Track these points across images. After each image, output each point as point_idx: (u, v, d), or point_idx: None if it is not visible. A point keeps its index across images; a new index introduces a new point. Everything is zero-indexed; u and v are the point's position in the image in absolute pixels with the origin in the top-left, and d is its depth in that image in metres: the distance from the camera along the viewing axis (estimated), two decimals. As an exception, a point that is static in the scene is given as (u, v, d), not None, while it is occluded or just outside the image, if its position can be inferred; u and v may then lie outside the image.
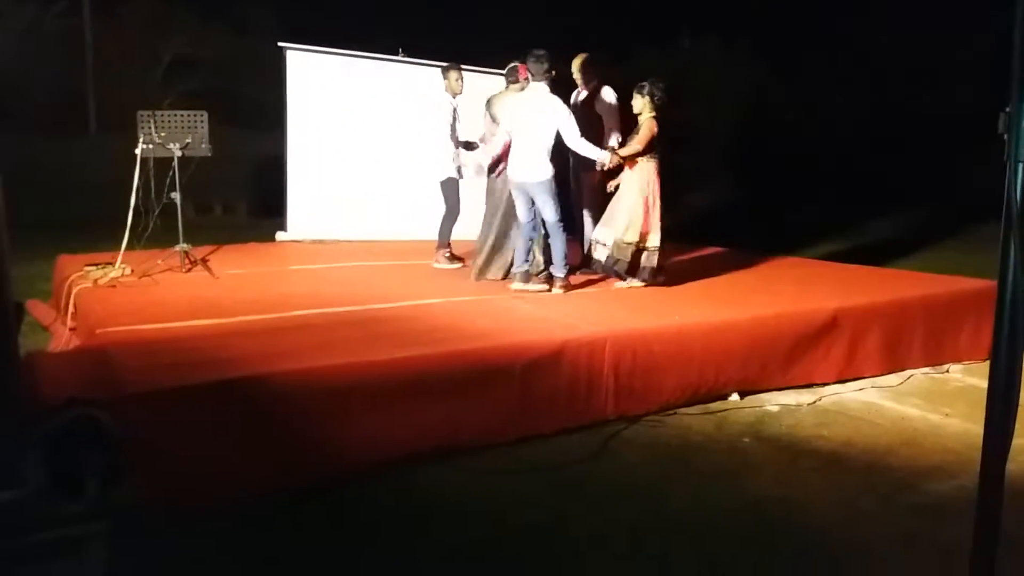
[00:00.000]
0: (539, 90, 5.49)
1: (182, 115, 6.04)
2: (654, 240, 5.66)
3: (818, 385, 4.87)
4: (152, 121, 5.88)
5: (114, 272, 5.40)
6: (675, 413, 4.34)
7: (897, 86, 15.85)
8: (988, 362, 1.80)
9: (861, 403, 4.67)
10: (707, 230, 9.77)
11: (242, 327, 4.26)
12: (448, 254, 6.59)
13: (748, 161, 16.04)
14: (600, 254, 5.81)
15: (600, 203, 6.12)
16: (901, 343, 5.25)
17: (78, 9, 18.72)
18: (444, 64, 6.72)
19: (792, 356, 4.79)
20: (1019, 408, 1.80)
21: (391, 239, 8.12)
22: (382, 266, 6.68)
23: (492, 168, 6.07)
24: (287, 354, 3.69)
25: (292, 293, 5.25)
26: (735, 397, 4.61)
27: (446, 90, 6.52)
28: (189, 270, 5.88)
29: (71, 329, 4.97)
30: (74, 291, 5.13)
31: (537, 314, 4.74)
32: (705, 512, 3.27)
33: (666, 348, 4.36)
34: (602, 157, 5.60)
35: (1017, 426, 1.80)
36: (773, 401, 4.62)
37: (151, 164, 5.75)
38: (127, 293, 5.10)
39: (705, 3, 17.93)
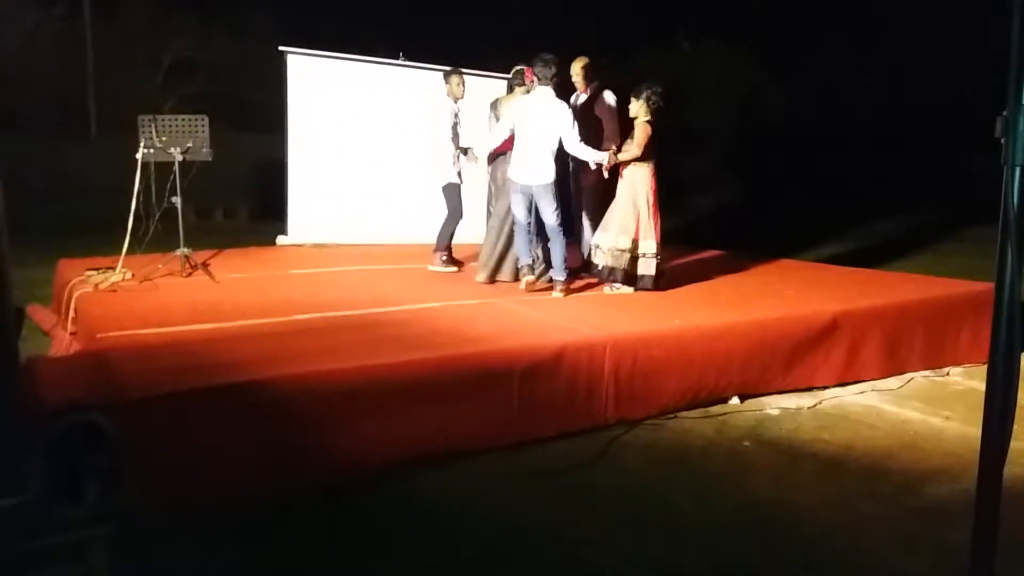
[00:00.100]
0: (545, 93, 5.53)
1: (183, 119, 6.05)
2: (647, 247, 5.62)
3: (818, 388, 4.87)
4: (153, 125, 5.88)
5: (115, 276, 5.40)
6: (675, 417, 4.35)
7: (900, 85, 15.85)
8: (987, 365, 1.80)
9: (861, 406, 4.67)
10: (706, 233, 9.78)
11: (243, 331, 4.26)
12: (445, 257, 6.59)
13: (749, 163, 16.05)
14: (598, 259, 5.81)
15: (599, 207, 6.13)
16: (901, 346, 5.26)
17: (79, 12, 18.74)
18: (446, 68, 6.73)
19: (792, 359, 4.79)
20: (1018, 411, 1.81)
21: (392, 243, 8.13)
22: (383, 270, 6.68)
23: (491, 160, 6.13)
24: (288, 358, 3.69)
25: (293, 297, 5.26)
26: (735, 400, 4.61)
27: (447, 95, 6.53)
28: (190, 274, 5.88)
29: (72, 334, 4.97)
30: (75, 295, 5.13)
31: (537, 317, 4.75)
32: (706, 516, 3.27)
33: (666, 351, 4.36)
34: (599, 158, 5.62)
35: (1016, 429, 1.81)
36: (773, 404, 4.62)
37: (152, 168, 5.76)
38: (128, 297, 5.11)
39: (705, 4, 17.95)
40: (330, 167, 8.28)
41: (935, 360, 5.39)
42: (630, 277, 5.63)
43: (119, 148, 7.37)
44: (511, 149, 5.71)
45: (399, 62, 8.68)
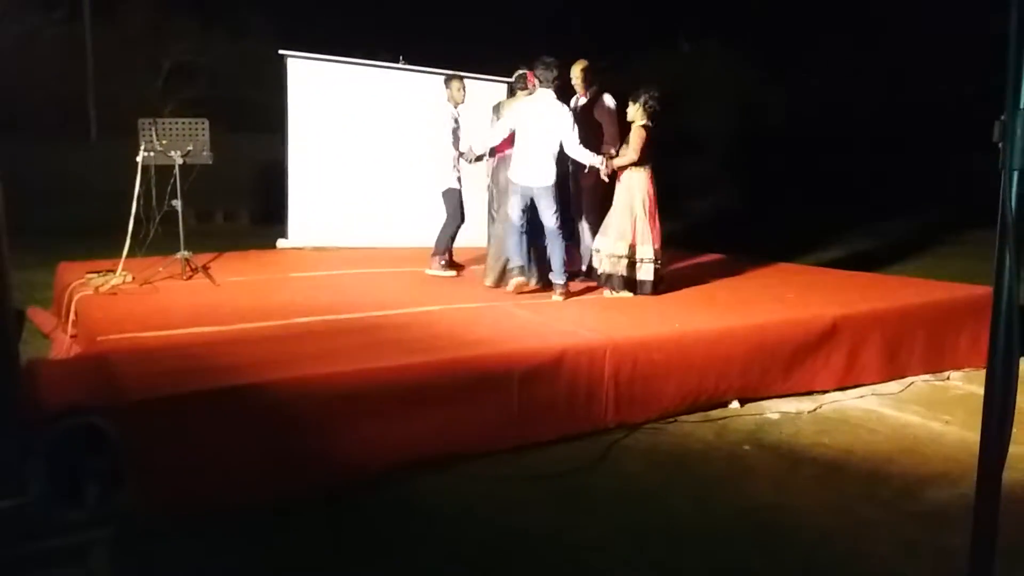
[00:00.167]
0: (546, 96, 5.56)
1: (183, 123, 6.07)
2: (645, 252, 5.60)
3: (818, 392, 4.87)
4: (153, 129, 5.90)
5: (115, 279, 5.41)
6: (675, 421, 4.34)
7: (900, 85, 15.85)
8: (987, 370, 1.80)
9: (861, 410, 4.67)
10: (707, 236, 9.78)
11: (243, 334, 4.27)
12: (444, 261, 6.58)
13: (748, 165, 16.05)
14: (598, 264, 5.81)
15: (599, 207, 6.14)
16: (901, 350, 5.25)
17: (79, 16, 18.77)
18: (447, 73, 6.74)
19: (792, 363, 4.79)
20: (1017, 415, 1.81)
21: (392, 246, 8.13)
22: (383, 273, 6.69)
23: (492, 161, 6.15)
24: (288, 361, 3.70)
25: (293, 300, 5.26)
26: (735, 404, 4.60)
27: (448, 100, 6.53)
28: (190, 277, 5.89)
29: (72, 336, 4.98)
30: (75, 298, 5.13)
31: (537, 321, 4.75)
32: (706, 520, 3.26)
33: (666, 355, 4.36)
34: (595, 161, 5.63)
35: (1015, 433, 1.81)
36: (773, 408, 4.62)
37: (152, 172, 5.77)
38: (128, 300, 5.11)
39: (705, 5, 17.96)
40: (330, 171, 8.28)
41: (935, 364, 5.39)
42: (629, 283, 5.62)
43: (119, 151, 7.38)
44: (512, 151, 5.72)
45: (399, 66, 8.68)
